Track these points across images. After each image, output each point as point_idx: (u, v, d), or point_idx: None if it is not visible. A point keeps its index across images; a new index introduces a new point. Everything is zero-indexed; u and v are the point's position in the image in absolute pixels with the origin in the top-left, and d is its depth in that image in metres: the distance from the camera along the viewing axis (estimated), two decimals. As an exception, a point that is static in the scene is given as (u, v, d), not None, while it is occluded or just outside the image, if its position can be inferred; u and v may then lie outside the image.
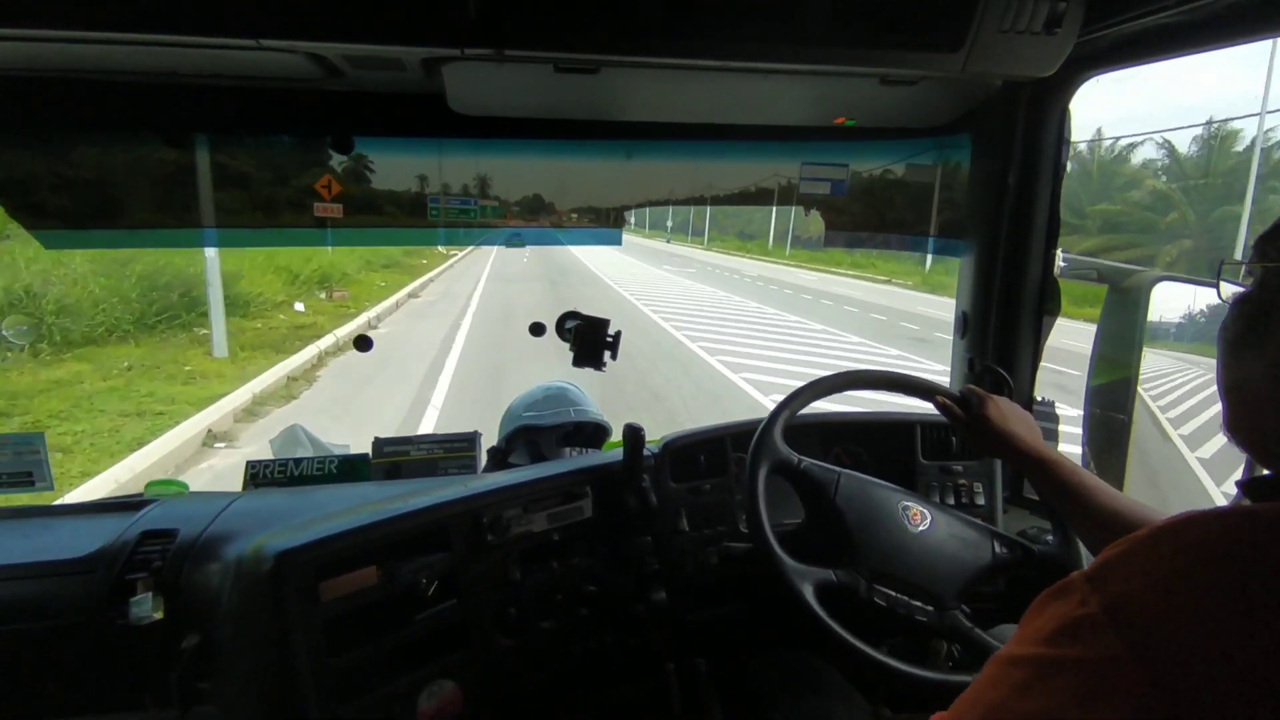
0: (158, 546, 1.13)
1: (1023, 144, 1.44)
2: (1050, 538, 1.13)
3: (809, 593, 0.99)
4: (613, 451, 1.37)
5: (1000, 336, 1.55)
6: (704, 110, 1.43)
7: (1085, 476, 0.95)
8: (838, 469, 1.13)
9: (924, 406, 1.24)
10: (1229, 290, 0.58)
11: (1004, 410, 1.09)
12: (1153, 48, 1.17)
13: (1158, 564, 0.45)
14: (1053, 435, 1.52)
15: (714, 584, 1.35)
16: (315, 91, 1.29)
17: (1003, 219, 1.49)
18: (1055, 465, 0.98)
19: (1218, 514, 0.46)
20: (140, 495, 1.38)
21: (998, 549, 1.09)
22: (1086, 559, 1.08)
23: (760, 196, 1.72)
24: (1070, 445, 1.46)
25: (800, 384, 1.20)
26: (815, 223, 1.75)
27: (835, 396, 1.23)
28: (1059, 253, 1.49)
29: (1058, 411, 1.55)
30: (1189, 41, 1.11)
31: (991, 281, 1.53)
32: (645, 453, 1.30)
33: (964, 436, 1.16)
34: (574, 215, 1.64)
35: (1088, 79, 1.33)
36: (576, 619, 1.23)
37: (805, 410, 1.21)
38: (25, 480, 1.34)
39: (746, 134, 1.56)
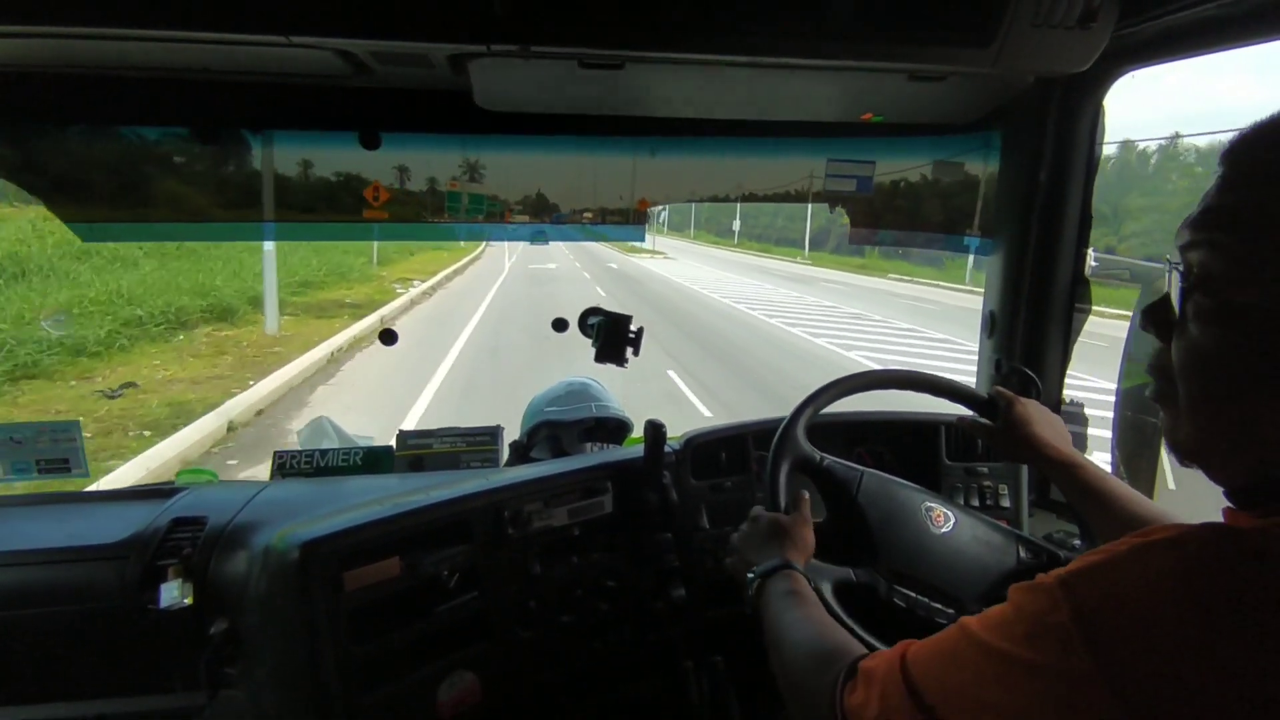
0: (188, 534, 1.16)
1: (1055, 141, 1.41)
2: (1077, 543, 1.11)
3: (827, 590, 0.98)
4: (634, 447, 1.38)
5: (1028, 337, 1.52)
6: (730, 106, 1.42)
7: (1112, 482, 0.94)
8: (860, 467, 1.11)
9: (949, 407, 1.22)
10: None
11: (1032, 414, 1.07)
12: (1191, 42, 1.14)
13: (1135, 581, 0.44)
14: (1081, 439, 1.49)
15: (734, 582, 1.35)
16: (344, 88, 1.30)
17: (1033, 217, 1.46)
18: (1081, 469, 0.97)
19: (1201, 534, 0.45)
20: (171, 483, 1.42)
21: (1023, 554, 1.07)
22: None
23: (791, 195, 1.71)
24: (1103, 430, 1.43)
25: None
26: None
27: (859, 396, 1.22)
28: (1090, 252, 1.46)
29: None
30: (1228, 36, 1.07)
31: (1020, 281, 1.51)
32: (666, 449, 1.30)
33: (991, 441, 1.14)
34: (609, 215, 1.64)
35: (1123, 74, 1.30)
36: (596, 614, 1.23)
37: (829, 409, 1.19)
38: (62, 467, 1.37)
39: (772, 130, 1.54)
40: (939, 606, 1.01)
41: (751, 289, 17.96)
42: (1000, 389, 1.13)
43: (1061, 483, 1.01)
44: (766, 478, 1.10)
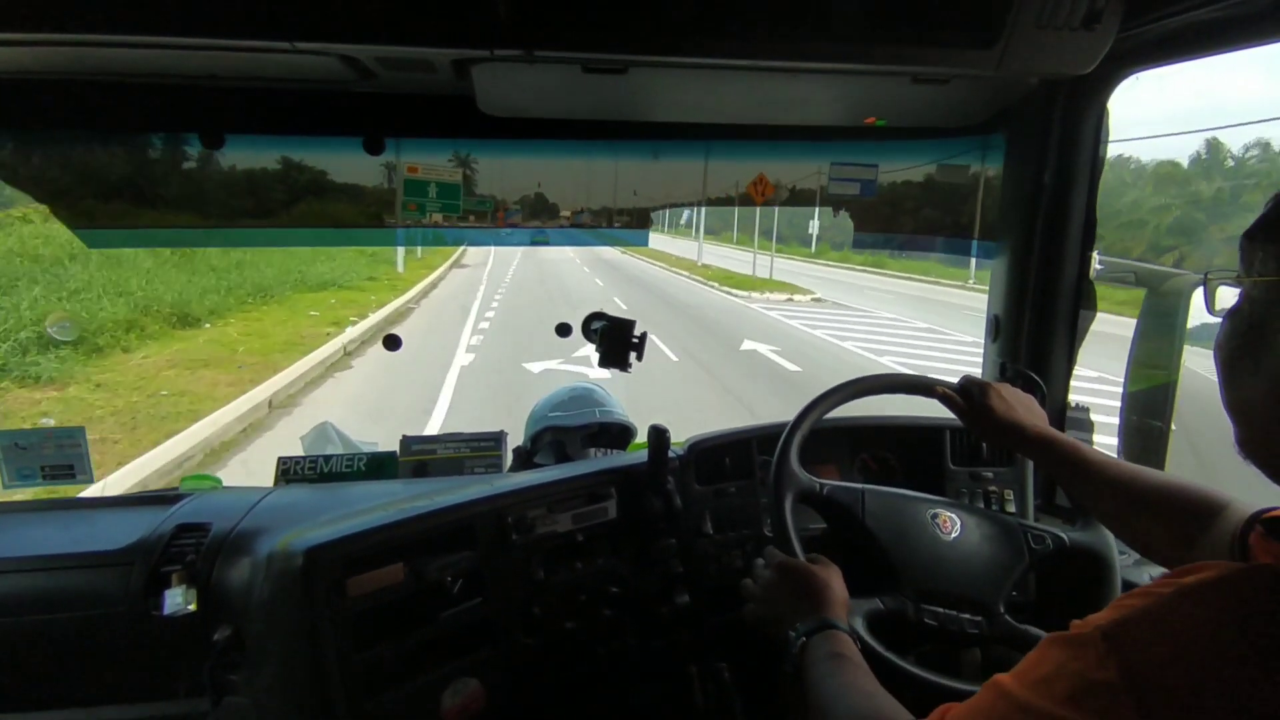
0: (192, 540, 1.16)
1: (1059, 143, 1.40)
2: (1076, 529, 1.12)
3: (861, 626, 0.95)
4: (638, 453, 1.37)
5: (1034, 341, 1.52)
6: (733, 110, 1.42)
7: (1086, 450, 0.96)
8: (860, 487, 1.11)
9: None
10: (1223, 298, 0.58)
11: (1006, 397, 1.08)
12: (1196, 44, 1.13)
13: (1181, 631, 0.43)
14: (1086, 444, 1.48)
15: (738, 587, 1.34)
16: (347, 94, 1.31)
17: (1037, 220, 1.46)
18: (1056, 442, 0.99)
19: (1245, 576, 0.44)
20: (175, 489, 1.41)
21: (1032, 543, 1.08)
22: (1117, 545, 1.08)
23: (796, 198, 1.71)
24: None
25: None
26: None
27: (862, 401, 1.21)
28: (1095, 255, 1.46)
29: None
30: (1234, 37, 1.07)
31: (1025, 284, 1.50)
32: (670, 454, 1.29)
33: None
34: (620, 217, 1.63)
35: (1128, 76, 1.29)
36: (600, 620, 1.23)
37: (833, 414, 1.19)
38: (66, 473, 1.37)
39: (776, 134, 1.54)
40: (968, 617, 1.00)
41: None
42: (971, 376, 1.15)
43: (1040, 460, 1.04)
44: (773, 523, 1.09)
